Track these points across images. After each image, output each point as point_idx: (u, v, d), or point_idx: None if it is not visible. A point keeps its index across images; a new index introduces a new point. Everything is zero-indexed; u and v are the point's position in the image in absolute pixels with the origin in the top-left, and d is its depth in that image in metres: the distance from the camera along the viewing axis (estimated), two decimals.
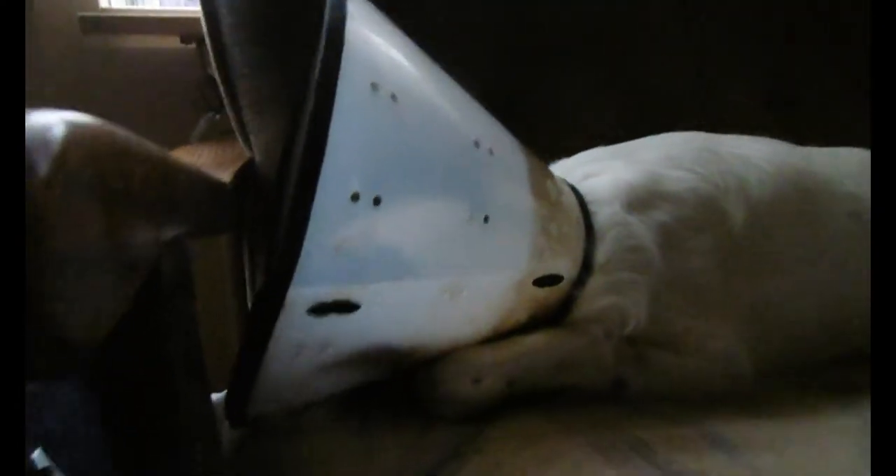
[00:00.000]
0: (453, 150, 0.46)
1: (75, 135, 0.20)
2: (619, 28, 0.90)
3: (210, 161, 0.75)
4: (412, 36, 0.50)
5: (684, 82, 0.92)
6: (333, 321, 0.40)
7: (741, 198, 0.60)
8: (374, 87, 0.41)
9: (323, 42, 0.38)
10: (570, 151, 0.69)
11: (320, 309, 0.39)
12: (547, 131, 0.71)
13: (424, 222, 0.44)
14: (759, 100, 0.93)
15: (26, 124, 0.19)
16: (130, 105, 1.01)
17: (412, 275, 0.44)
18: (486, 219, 0.47)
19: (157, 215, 0.25)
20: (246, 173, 0.72)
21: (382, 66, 0.42)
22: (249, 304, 0.63)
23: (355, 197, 0.39)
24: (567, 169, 0.65)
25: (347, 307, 0.40)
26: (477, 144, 0.47)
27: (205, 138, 1.01)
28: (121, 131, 0.24)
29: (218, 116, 1.02)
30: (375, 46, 0.43)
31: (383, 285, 0.43)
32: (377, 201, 0.40)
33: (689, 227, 0.58)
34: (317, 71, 0.38)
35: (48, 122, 0.19)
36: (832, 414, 0.50)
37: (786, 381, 0.58)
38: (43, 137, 0.19)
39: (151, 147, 0.28)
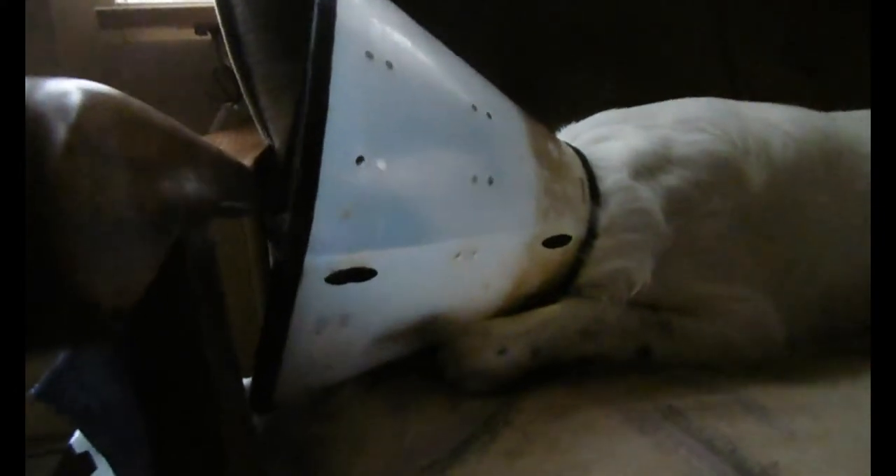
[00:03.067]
0: (451, 114, 0.47)
1: (93, 101, 0.20)
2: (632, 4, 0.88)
3: (229, 148, 0.75)
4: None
5: (705, 50, 0.90)
6: (352, 290, 0.40)
7: (762, 159, 0.59)
8: (369, 55, 0.41)
9: (315, 15, 0.39)
10: None
11: (338, 277, 0.39)
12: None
13: (430, 185, 0.45)
14: (785, 66, 0.91)
15: (42, 91, 0.19)
16: (148, 97, 1.02)
17: (423, 238, 0.44)
18: (490, 180, 0.47)
19: (178, 186, 0.26)
20: (266, 159, 0.72)
21: (375, 36, 0.43)
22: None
23: (359, 160, 0.39)
24: (577, 132, 0.64)
25: (364, 274, 0.40)
26: (474, 108, 0.48)
27: (224, 128, 1.02)
28: (138, 102, 0.24)
29: (236, 106, 1.02)
30: (367, 18, 0.43)
31: (397, 250, 0.43)
32: (381, 165, 0.41)
33: (702, 190, 0.57)
34: (311, 43, 0.38)
35: (64, 89, 0.20)
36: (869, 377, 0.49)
37: (821, 346, 0.57)
38: (60, 103, 0.19)
39: (172, 122, 0.28)
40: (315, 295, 0.38)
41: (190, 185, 0.27)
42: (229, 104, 1.03)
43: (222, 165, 0.35)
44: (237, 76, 0.80)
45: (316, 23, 0.38)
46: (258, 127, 0.80)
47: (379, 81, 0.41)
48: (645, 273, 0.54)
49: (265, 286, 0.90)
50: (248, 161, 0.67)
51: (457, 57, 0.50)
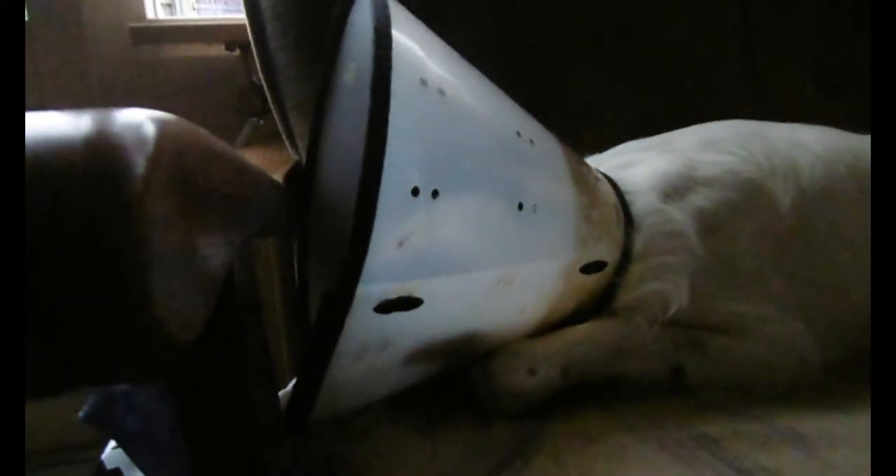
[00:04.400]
0: (500, 141, 0.47)
1: (166, 132, 0.20)
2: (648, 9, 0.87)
3: (258, 165, 0.76)
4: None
5: (730, 65, 0.89)
6: (397, 318, 0.40)
7: (790, 180, 0.58)
8: (423, 82, 0.41)
9: (373, 43, 0.39)
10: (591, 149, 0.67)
11: (386, 306, 0.39)
12: (568, 117, 0.69)
13: (479, 213, 0.45)
14: (811, 83, 0.90)
15: (118, 123, 0.19)
16: (176, 111, 1.04)
17: (471, 266, 0.44)
18: (534, 208, 0.47)
19: (233, 213, 0.26)
20: (294, 176, 0.72)
21: (427, 63, 0.43)
22: (297, 307, 0.64)
23: (415, 191, 0.39)
24: (600, 160, 0.64)
25: (412, 303, 0.40)
26: (519, 135, 0.48)
27: (249, 143, 1.03)
28: (202, 130, 0.24)
29: (261, 121, 1.03)
30: (418, 45, 0.43)
31: (444, 278, 0.43)
32: (435, 194, 0.40)
33: (731, 210, 0.57)
34: (371, 71, 0.38)
35: (138, 120, 0.20)
36: None
37: (857, 370, 0.55)
38: (137, 135, 0.19)
39: (224, 145, 0.28)
40: (362, 324, 0.38)
41: (242, 214, 0.27)
42: (254, 119, 1.04)
43: (267, 188, 0.35)
44: (267, 92, 0.81)
45: (374, 48, 0.38)
46: (286, 143, 0.81)
47: (433, 109, 0.41)
48: (681, 295, 0.54)
49: (285, 300, 0.90)
50: (277, 177, 0.68)
51: (489, 80, 0.50)
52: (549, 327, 0.54)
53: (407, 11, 0.48)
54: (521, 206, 0.46)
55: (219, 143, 0.27)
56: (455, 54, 0.49)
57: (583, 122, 0.80)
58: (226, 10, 1.24)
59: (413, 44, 0.43)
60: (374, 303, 0.39)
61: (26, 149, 0.17)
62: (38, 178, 0.17)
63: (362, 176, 0.36)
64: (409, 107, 0.39)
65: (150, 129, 0.20)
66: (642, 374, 0.53)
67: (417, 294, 0.41)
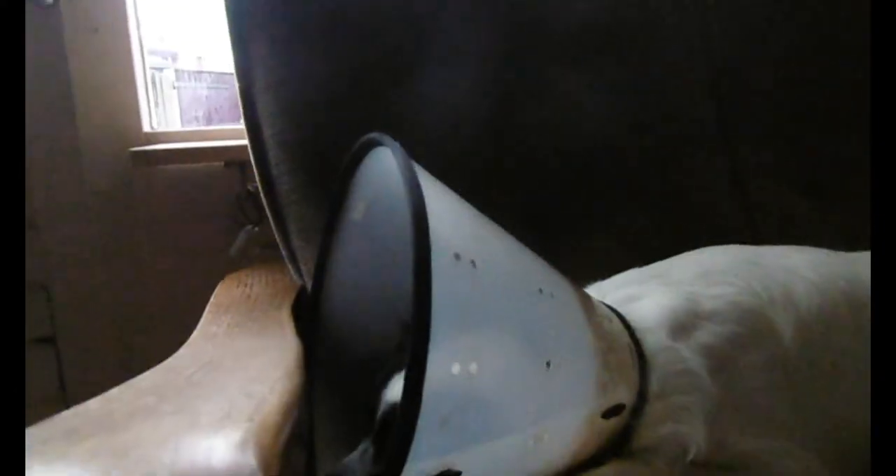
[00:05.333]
0: (526, 303, 0.48)
1: None
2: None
3: (262, 291, 0.76)
4: None
5: (715, 172, 0.91)
6: None
7: (789, 309, 0.60)
8: (457, 257, 0.42)
9: (413, 231, 0.40)
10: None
11: None
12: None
13: (514, 378, 0.45)
14: (796, 191, 0.92)
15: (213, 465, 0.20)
16: (171, 220, 1.04)
17: (505, 431, 0.45)
18: (560, 363, 0.48)
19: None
20: (300, 305, 0.72)
21: (458, 237, 0.44)
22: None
23: (457, 370, 0.40)
24: (605, 292, 0.64)
25: None
26: (541, 291, 0.49)
27: (245, 250, 1.03)
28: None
29: (256, 228, 1.04)
30: (450, 220, 0.45)
31: (481, 446, 0.43)
32: (473, 369, 0.41)
33: (737, 345, 0.58)
34: (412, 256, 0.39)
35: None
36: None
37: None
38: None
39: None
40: None
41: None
42: (250, 227, 1.04)
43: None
44: (269, 215, 0.82)
45: (413, 229, 0.39)
46: (289, 266, 0.81)
47: (467, 283, 0.42)
48: (697, 436, 0.54)
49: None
50: (285, 311, 0.68)
51: (513, 237, 0.52)
52: (568, 473, 0.54)
53: (432, 177, 0.49)
54: (548, 364, 0.47)
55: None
56: (476, 213, 0.50)
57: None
58: (208, 121, 1.28)
59: (444, 214, 0.44)
60: None
61: None
62: None
63: (409, 363, 0.37)
64: (445, 286, 0.40)
65: None
66: None
67: (457, 467, 0.41)
